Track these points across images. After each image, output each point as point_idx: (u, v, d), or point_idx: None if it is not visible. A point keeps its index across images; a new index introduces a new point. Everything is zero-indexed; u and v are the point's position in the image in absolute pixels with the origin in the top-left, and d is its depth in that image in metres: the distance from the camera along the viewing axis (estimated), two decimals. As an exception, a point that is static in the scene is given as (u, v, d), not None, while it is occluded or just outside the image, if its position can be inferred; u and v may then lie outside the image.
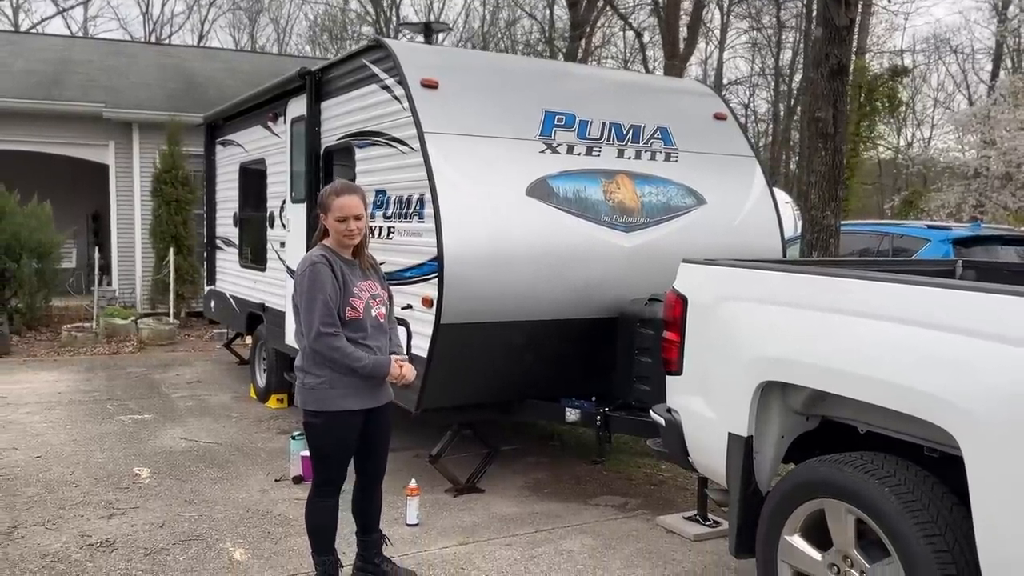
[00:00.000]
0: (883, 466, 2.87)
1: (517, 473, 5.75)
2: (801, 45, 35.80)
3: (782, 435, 3.40)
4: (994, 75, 34.35)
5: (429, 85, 5.07)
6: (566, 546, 4.47)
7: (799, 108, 34.52)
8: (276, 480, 5.55)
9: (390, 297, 3.82)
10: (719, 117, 6.12)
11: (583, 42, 27.98)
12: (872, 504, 2.80)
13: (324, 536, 3.70)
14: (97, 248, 12.71)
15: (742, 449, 3.31)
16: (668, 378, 3.82)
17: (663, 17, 24.42)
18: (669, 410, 3.82)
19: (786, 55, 35.56)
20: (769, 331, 3.20)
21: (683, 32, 24.64)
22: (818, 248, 8.30)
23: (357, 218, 3.51)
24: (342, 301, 3.47)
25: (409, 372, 3.61)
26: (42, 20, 34.63)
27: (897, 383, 2.70)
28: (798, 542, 3.14)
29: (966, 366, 2.52)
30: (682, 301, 3.68)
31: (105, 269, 13.74)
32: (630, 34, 31.38)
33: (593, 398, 5.39)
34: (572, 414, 5.17)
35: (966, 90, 39.26)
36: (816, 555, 3.08)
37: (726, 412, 3.39)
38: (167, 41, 34.48)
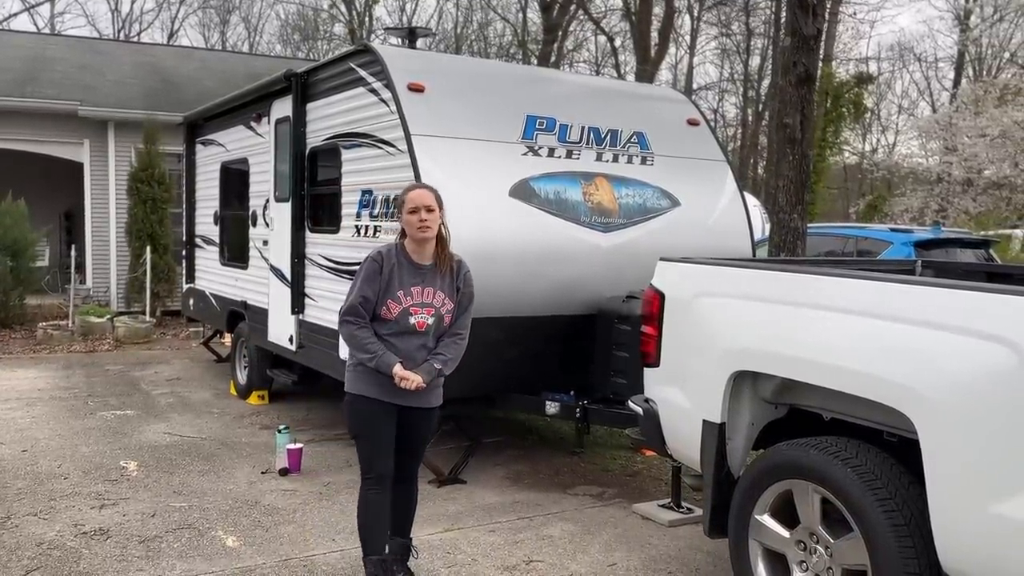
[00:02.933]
0: (846, 449, 3.10)
1: (498, 465, 5.94)
2: (769, 51, 36.41)
3: (752, 422, 3.62)
4: (956, 83, 35.22)
5: (416, 89, 5.25)
6: (547, 532, 4.67)
7: (767, 113, 35.13)
8: (263, 472, 5.68)
9: (461, 301, 3.72)
10: (692, 123, 6.36)
11: (555, 46, 28.27)
12: (836, 484, 3.04)
13: (367, 534, 3.68)
14: (71, 246, 12.67)
15: (716, 435, 3.53)
16: (646, 370, 4.03)
17: (635, 23, 24.76)
18: (647, 400, 4.04)
19: (755, 61, 36.16)
20: (741, 324, 3.43)
21: (654, 37, 25.02)
22: (785, 250, 8.60)
23: (429, 209, 3.52)
24: (380, 299, 3.54)
25: (411, 382, 3.50)
26: (8, 17, 34.15)
27: (862, 371, 2.93)
28: (768, 521, 3.37)
29: (925, 356, 2.75)
30: (660, 297, 3.90)
31: (79, 267, 13.70)
32: (602, 38, 31.76)
33: (572, 392, 5.60)
34: (552, 407, 5.37)
35: (929, 97, 40.23)
36: (785, 533, 3.31)
37: (701, 401, 3.61)
38: (136, 39, 34.19)
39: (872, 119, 35.47)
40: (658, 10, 25.36)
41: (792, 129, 8.64)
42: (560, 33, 27.88)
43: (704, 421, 3.59)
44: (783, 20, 29.75)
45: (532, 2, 30.51)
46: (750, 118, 36.30)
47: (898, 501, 2.90)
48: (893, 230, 9.73)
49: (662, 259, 4.04)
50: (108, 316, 11.76)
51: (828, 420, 3.47)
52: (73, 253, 12.15)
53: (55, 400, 7.81)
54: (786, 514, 3.32)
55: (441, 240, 3.67)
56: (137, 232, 12.60)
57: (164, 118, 12.48)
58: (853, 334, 2.99)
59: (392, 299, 3.55)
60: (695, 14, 34.58)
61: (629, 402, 4.21)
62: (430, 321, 3.63)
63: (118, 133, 13.45)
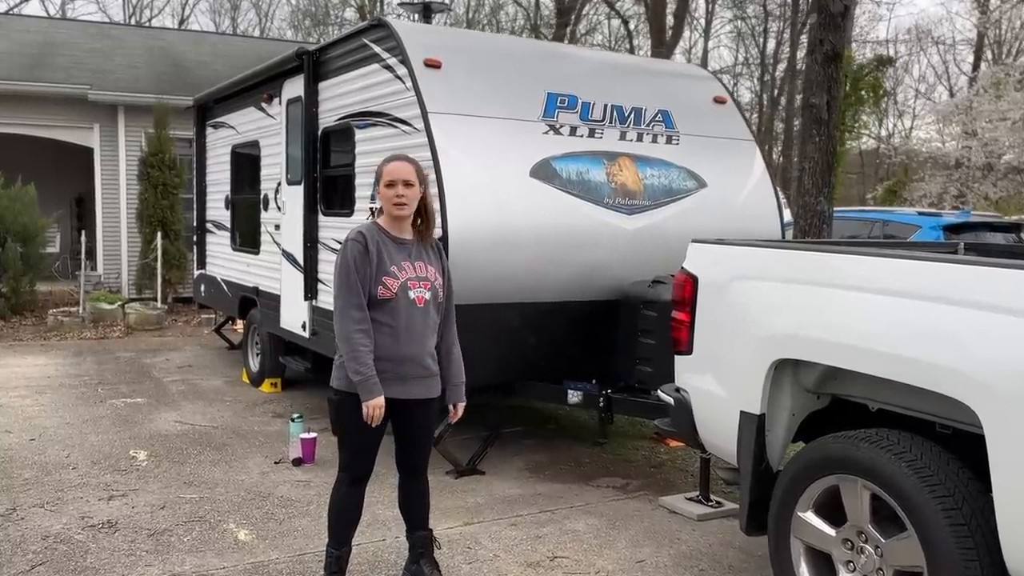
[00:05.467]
0: (899, 442, 2.89)
1: (517, 455, 5.76)
2: (785, 34, 35.95)
3: (793, 413, 3.42)
4: (975, 67, 34.68)
5: (432, 65, 5.04)
6: (571, 526, 4.49)
7: (783, 98, 34.70)
8: (276, 463, 5.52)
9: (448, 286, 3.54)
10: (719, 101, 6.13)
11: (569, 30, 27.93)
12: (889, 480, 2.83)
13: (336, 525, 3.52)
14: (82, 232, 12.54)
15: (754, 427, 3.33)
16: (677, 358, 3.83)
17: (649, 5, 24.40)
18: (678, 390, 3.83)
19: (770, 45, 35.69)
20: (783, 309, 3.22)
21: (669, 20, 24.65)
22: (811, 234, 8.36)
23: (407, 184, 3.31)
24: (373, 279, 3.30)
25: (373, 419, 3.26)
26: (19, 2, 34.02)
27: (919, 359, 2.72)
28: (812, 518, 3.16)
29: (992, 343, 2.53)
30: (692, 281, 3.69)
31: (90, 254, 13.58)
32: (615, 22, 31.37)
33: (593, 380, 5.40)
34: (574, 396, 5.18)
35: (947, 81, 39.63)
36: (830, 531, 3.11)
37: (738, 390, 3.40)
38: (147, 24, 34.02)
39: (889, 103, 34.95)
40: (673, -8, 25.01)
41: (818, 109, 8.38)
42: (573, 16, 27.53)
43: (742, 412, 3.38)
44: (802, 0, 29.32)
45: (545, -15, 30.16)
46: (765, 103, 35.87)
47: (957, 499, 2.69)
48: (921, 214, 9.47)
49: (695, 241, 3.83)
50: (119, 303, 11.63)
51: (875, 411, 3.27)
52: (83, 239, 12.01)
53: (65, 388, 7.68)
54: (831, 511, 3.12)
55: (427, 216, 3.45)
56: (148, 218, 12.45)
57: (174, 102, 12.31)
58: (909, 319, 2.78)
59: (387, 275, 3.30)
60: (710, -3, 34.14)
61: (659, 391, 4.00)
62: (427, 296, 3.40)
63: (128, 117, 13.29)
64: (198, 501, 4.78)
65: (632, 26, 30.69)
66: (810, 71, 8.56)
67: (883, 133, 36.88)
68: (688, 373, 3.74)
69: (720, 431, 3.55)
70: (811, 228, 8.31)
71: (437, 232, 4.56)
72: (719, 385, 3.52)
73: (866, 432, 3.01)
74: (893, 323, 2.83)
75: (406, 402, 3.44)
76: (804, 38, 34.30)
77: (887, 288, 2.88)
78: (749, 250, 3.44)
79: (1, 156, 12.41)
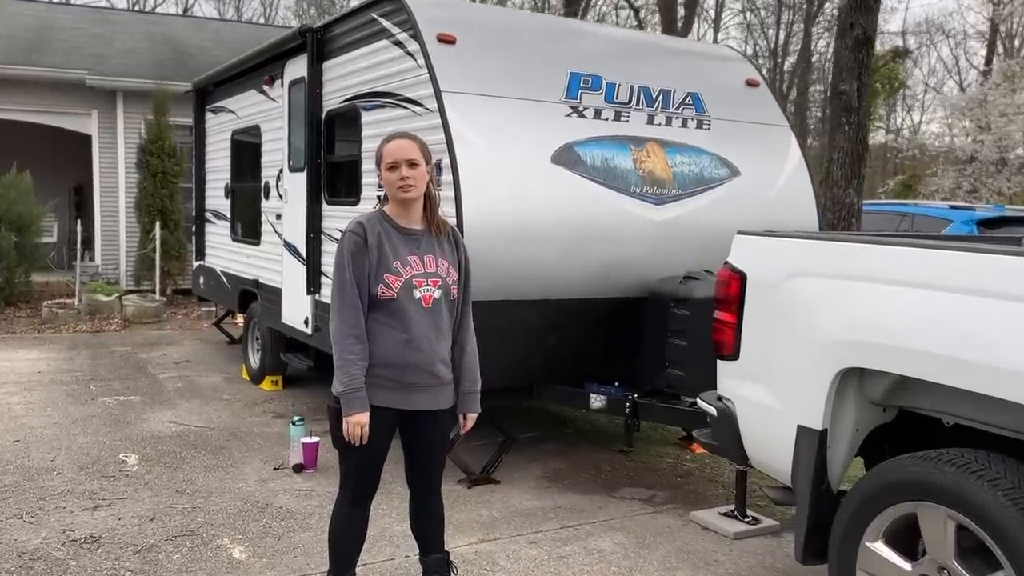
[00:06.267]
0: (991, 466, 2.50)
1: (533, 462, 5.38)
2: (795, 27, 35.44)
3: (857, 428, 3.03)
4: (988, 60, 34.13)
5: (446, 40, 4.64)
6: (596, 544, 4.10)
7: (792, 91, 34.18)
8: (275, 468, 5.15)
9: (464, 281, 3.13)
10: (751, 84, 5.72)
11: (577, 18, 27.45)
12: (980, 509, 2.44)
13: (338, 549, 3.15)
14: (79, 222, 12.16)
15: (815, 444, 2.94)
16: (720, 363, 3.44)
17: (661, -7, 23.97)
18: (720, 398, 3.44)
19: (780, 36, 35.18)
20: (851, 312, 2.82)
21: (680, 12, 24.18)
22: (839, 227, 7.95)
23: (411, 164, 2.92)
24: (373, 276, 2.91)
25: (355, 437, 2.91)
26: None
27: (1015, 369, 2.33)
28: (882, 549, 2.78)
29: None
30: (739, 278, 3.29)
31: (87, 244, 13.21)
32: (624, 12, 30.88)
33: (616, 383, 5.02)
34: (597, 400, 4.79)
35: (957, 75, 39.05)
36: (904, 565, 2.72)
37: (795, 402, 3.01)
38: (150, 11, 33.57)
39: (898, 97, 34.44)
40: (685, -19, 24.52)
41: (848, 96, 7.97)
42: (582, 5, 27.07)
43: (799, 427, 2.99)
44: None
45: (553, -26, 29.67)
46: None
47: (1065, 535, 2.31)
48: (952, 207, 9.03)
49: (740, 233, 3.43)
50: (116, 295, 11.25)
51: (950, 426, 2.88)
52: (79, 228, 11.63)
53: (55, 384, 7.31)
54: (906, 542, 2.73)
55: (430, 201, 3.04)
56: (147, 207, 12.07)
57: (175, 88, 11.91)
58: (1007, 324, 2.38)
59: (389, 272, 2.91)
60: (721, -13, 33.66)
61: (698, 400, 3.61)
62: (437, 295, 2.99)
63: (127, 104, 12.90)
64: (190, 512, 4.40)
65: (642, 16, 30.22)
66: (839, 56, 8.14)
67: (896, 126, 36.41)
68: (733, 380, 3.35)
69: (771, 447, 3.16)
70: (840, 221, 7.90)
71: (451, 221, 4.18)
72: (772, 395, 3.13)
73: (951, 453, 2.62)
74: (984, 328, 2.44)
75: (413, 414, 3.05)
76: (816, 29, 33.84)
77: (979, 288, 2.48)
78: (809, 244, 3.04)
79: (-3, 143, 12.06)
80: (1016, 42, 35.84)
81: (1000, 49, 35.59)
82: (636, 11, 28.75)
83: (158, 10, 35.39)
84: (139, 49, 14.76)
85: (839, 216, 7.89)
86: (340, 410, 2.97)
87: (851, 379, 2.94)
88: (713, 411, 3.42)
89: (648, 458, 5.56)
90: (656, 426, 6.00)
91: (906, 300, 2.68)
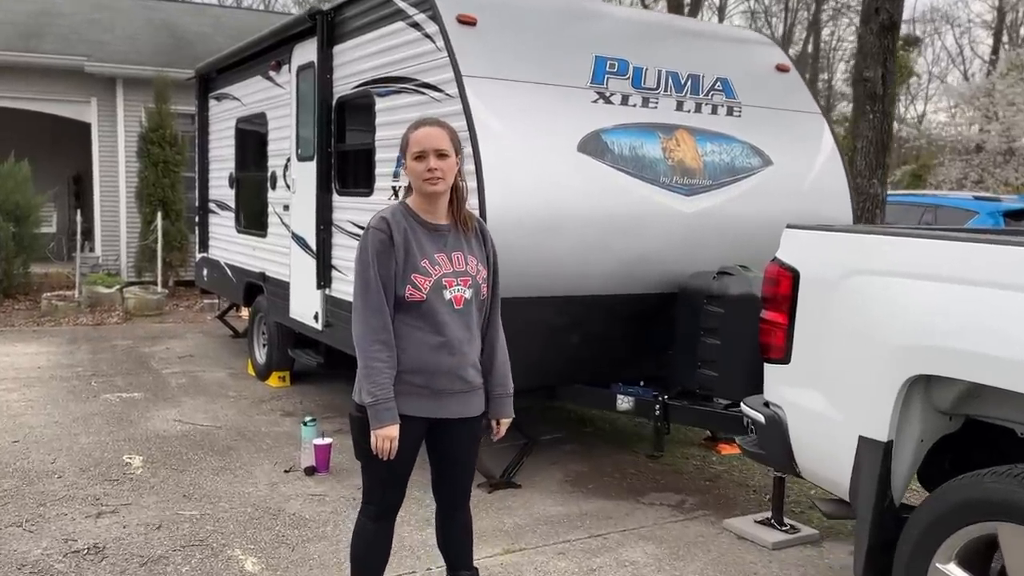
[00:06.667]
0: (1085, 485, 2.28)
1: (554, 465, 5.16)
2: (800, 14, 35.05)
3: (922, 439, 2.81)
4: (994, 50, 33.80)
5: (466, 22, 4.40)
6: (628, 555, 3.88)
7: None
8: (286, 471, 4.93)
9: (493, 278, 2.90)
10: (781, 69, 5.47)
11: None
12: (1076, 534, 2.22)
13: (362, 569, 2.93)
14: (79, 212, 11.91)
15: (879, 457, 2.72)
16: (769, 367, 3.21)
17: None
18: (768, 404, 3.22)
19: (781, 32, 34.82)
20: (922, 314, 2.59)
21: (687, -2, 23.88)
22: (863, 219, 7.72)
23: (440, 154, 2.68)
24: (401, 276, 2.69)
25: (384, 450, 2.68)
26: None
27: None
28: (955, 572, 2.55)
29: None
30: (791, 275, 3.06)
31: (87, 234, 12.96)
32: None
33: (641, 382, 4.80)
34: (625, 402, 4.56)
35: (962, 64, 38.69)
36: (981, 590, 2.50)
37: (857, 411, 2.78)
38: (151, 0, 33.18)
39: (906, 85, 34.11)
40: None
41: (873, 83, 7.74)
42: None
43: (861, 438, 2.77)
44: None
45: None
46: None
47: None
48: (977, 198, 8.80)
49: (790, 227, 3.20)
50: (117, 286, 11.02)
51: (1022, 436, 2.66)
52: (79, 219, 11.37)
53: (56, 380, 7.09)
54: (982, 565, 2.51)
55: (457, 194, 2.80)
56: (148, 197, 11.82)
57: (176, 75, 11.64)
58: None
59: (418, 273, 2.69)
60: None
61: (743, 406, 3.39)
62: (467, 295, 2.76)
63: (127, 91, 12.63)
64: (199, 519, 4.19)
65: (647, 4, 29.85)
66: (864, 42, 7.90)
67: (898, 116, 36.07)
68: (783, 386, 3.12)
69: (827, 458, 2.94)
70: (864, 213, 7.67)
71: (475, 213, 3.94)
72: (828, 403, 2.90)
73: (1038, 471, 2.39)
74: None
75: (442, 422, 2.82)
76: (827, 16, 33.48)
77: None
78: (874, 239, 2.81)
79: (-6, 131, 11.80)
80: (1023, 31, 35.50)
81: (1006, 38, 35.27)
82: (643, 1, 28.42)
83: None
84: (139, 35, 14.47)
85: (863, 207, 7.66)
86: (364, 420, 2.74)
87: (918, 386, 2.71)
88: (761, 418, 3.19)
89: (673, 460, 5.34)
90: (680, 426, 5.78)
91: (984, 302, 2.45)
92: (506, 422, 2.98)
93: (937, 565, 2.59)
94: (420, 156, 2.69)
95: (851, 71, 26.61)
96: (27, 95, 12.47)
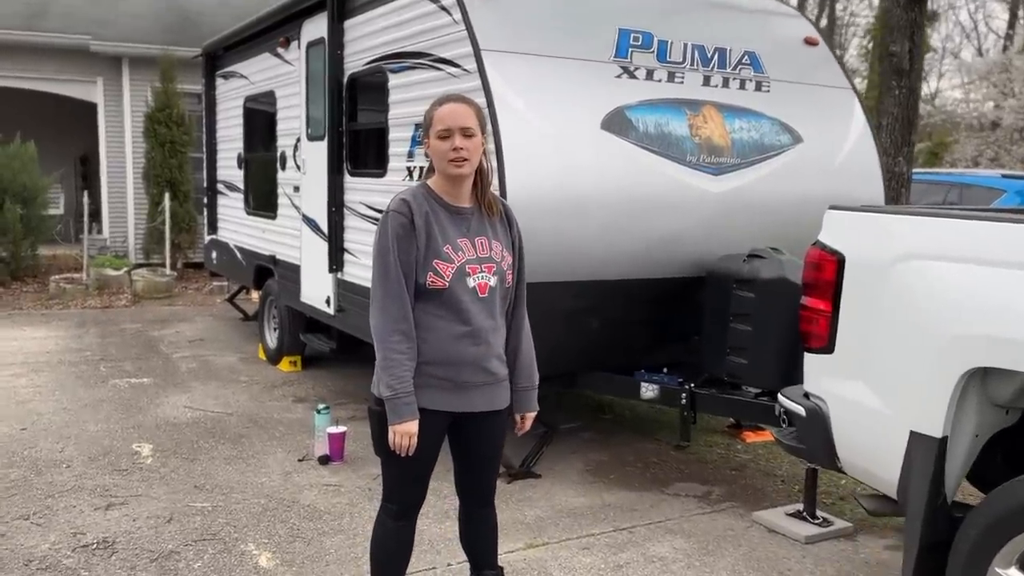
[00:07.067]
0: None
1: (574, 453, 5.01)
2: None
3: (977, 434, 2.64)
4: (1010, 24, 33.24)
5: (485, -7, 4.19)
6: (655, 551, 3.74)
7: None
8: (299, 460, 4.80)
9: (519, 264, 2.73)
10: (810, 42, 5.25)
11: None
12: None
13: (382, 569, 2.78)
14: (86, 193, 11.77)
15: (933, 453, 2.55)
16: (809, 357, 3.04)
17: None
18: (809, 396, 3.05)
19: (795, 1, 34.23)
20: (983, 302, 2.41)
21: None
22: (888, 199, 7.50)
23: (466, 133, 2.50)
24: (422, 262, 2.52)
25: (402, 446, 2.52)
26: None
27: None
28: (1017, 578, 2.40)
29: None
30: (836, 260, 2.88)
31: (95, 216, 12.83)
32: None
33: (665, 369, 4.64)
34: (649, 390, 4.41)
35: (976, 40, 38.09)
36: (1046, 597, 2.34)
37: (908, 405, 2.62)
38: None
39: (925, 59, 33.55)
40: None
41: (899, 58, 7.47)
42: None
43: (913, 433, 2.60)
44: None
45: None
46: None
47: None
48: (1005, 176, 8.55)
49: (833, 208, 3.01)
50: (125, 268, 10.90)
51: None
52: (86, 200, 11.23)
53: (64, 365, 6.97)
54: (1047, 571, 2.35)
55: (482, 176, 2.62)
56: (155, 178, 11.67)
57: (182, 54, 11.43)
58: None
59: (440, 259, 2.52)
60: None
61: (781, 397, 3.22)
62: (492, 282, 2.59)
63: (133, 70, 12.45)
64: (211, 512, 4.06)
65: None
66: (890, 16, 7.62)
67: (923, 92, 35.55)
68: (826, 377, 2.95)
69: (874, 454, 2.78)
70: (889, 192, 7.44)
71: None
72: (876, 396, 2.73)
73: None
74: None
75: (465, 416, 2.67)
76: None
77: None
78: (928, 221, 2.63)
79: (0, 112, 11.61)
80: (1036, 7, 34.87)
81: (1022, 13, 34.66)
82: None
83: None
84: (144, 14, 14.23)
85: (888, 186, 7.42)
86: (382, 414, 2.58)
87: (975, 379, 2.54)
88: (801, 411, 3.03)
89: (697, 448, 5.19)
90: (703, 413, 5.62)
91: (1053, 289, 2.27)
92: (531, 416, 2.83)
93: (997, 570, 2.43)
94: (445, 135, 2.51)
95: (865, 47, 26.20)
96: (32, 75, 12.30)
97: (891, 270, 2.69)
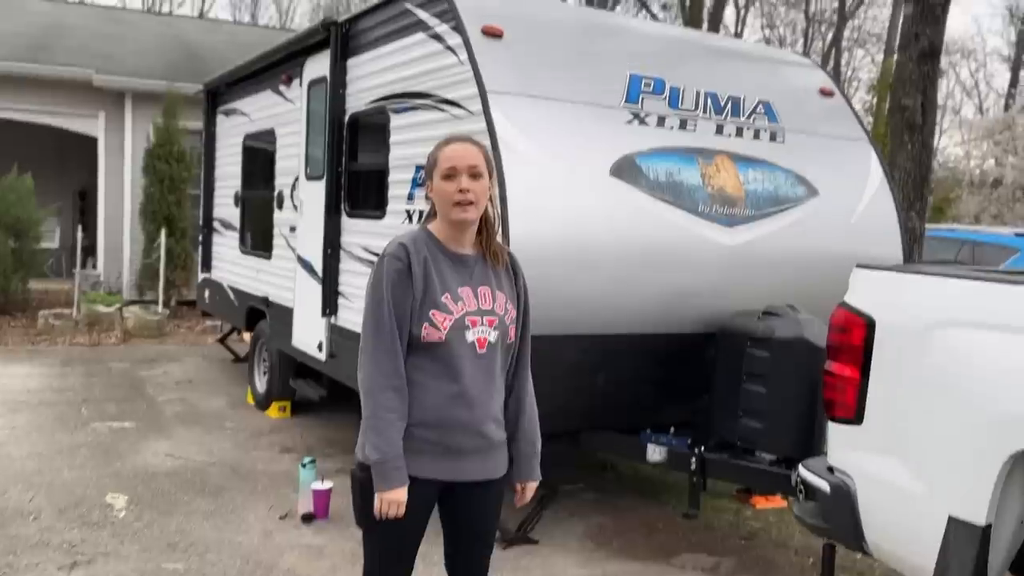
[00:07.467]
0: None
1: (574, 516, 4.74)
2: (815, 44, 34.89)
3: (1022, 520, 2.39)
4: (1012, 83, 33.54)
5: (492, 34, 4.05)
6: (661, 630, 3.46)
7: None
8: (281, 518, 4.52)
9: (523, 320, 2.50)
10: (826, 93, 5.11)
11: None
12: None
13: None
14: (81, 228, 11.60)
15: (976, 542, 2.30)
16: (835, 427, 2.80)
17: (687, 6, 23.49)
18: (832, 470, 2.80)
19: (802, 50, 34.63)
20: (1035, 376, 2.19)
21: (703, 27, 23.70)
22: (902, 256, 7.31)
23: (473, 174, 2.30)
24: (418, 312, 2.30)
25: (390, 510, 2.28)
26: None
27: None
28: None
29: None
30: (865, 324, 2.65)
31: (90, 251, 12.65)
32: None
33: (672, 429, 4.38)
34: (656, 452, 4.15)
35: (977, 98, 38.40)
36: None
37: (947, 487, 2.37)
38: (166, 14, 33.24)
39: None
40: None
41: (911, 112, 7.35)
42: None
43: (952, 519, 2.35)
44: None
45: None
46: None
47: None
48: (1018, 235, 8.38)
49: (860, 266, 2.80)
50: (117, 305, 10.66)
51: None
52: (80, 235, 11.05)
53: (44, 405, 6.70)
54: None
55: (487, 222, 2.41)
56: (153, 214, 11.49)
57: (186, 90, 11.37)
58: None
59: (437, 308, 2.30)
60: (740, 3, 33.18)
61: (801, 470, 2.97)
62: (492, 337, 2.36)
63: (136, 105, 12.38)
64: (183, 574, 3.77)
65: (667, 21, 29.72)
66: (902, 69, 7.52)
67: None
68: (853, 451, 2.71)
69: (906, 539, 2.52)
70: (902, 249, 7.26)
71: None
72: (910, 475, 2.49)
73: None
74: None
75: (457, 485, 2.41)
76: (845, 44, 33.27)
77: None
78: (974, 285, 2.40)
79: (0, 144, 11.49)
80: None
81: (1022, 74, 34.99)
82: (655, 17, 28.25)
83: (174, 13, 35.12)
84: (150, 50, 14.25)
85: (901, 244, 7.24)
86: (367, 480, 2.33)
87: (1020, 461, 2.30)
88: (825, 487, 2.78)
89: (704, 514, 4.88)
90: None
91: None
92: (532, 486, 2.58)
93: None
94: (450, 174, 2.31)
95: (869, 102, 26.29)
96: (34, 108, 12.24)
97: (928, 337, 2.46)
